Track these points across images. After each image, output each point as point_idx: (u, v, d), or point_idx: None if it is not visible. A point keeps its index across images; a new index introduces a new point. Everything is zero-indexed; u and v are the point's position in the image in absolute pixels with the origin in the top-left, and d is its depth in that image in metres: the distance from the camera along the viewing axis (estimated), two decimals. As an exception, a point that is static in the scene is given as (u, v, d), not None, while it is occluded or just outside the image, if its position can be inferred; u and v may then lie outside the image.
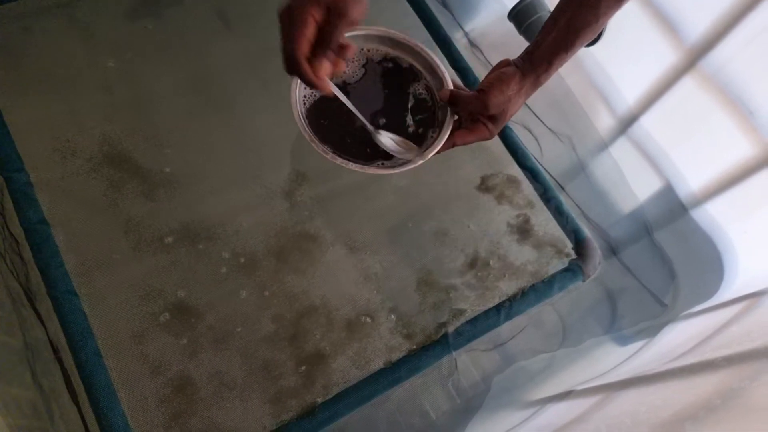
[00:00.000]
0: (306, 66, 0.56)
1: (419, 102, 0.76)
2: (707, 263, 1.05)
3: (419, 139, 0.74)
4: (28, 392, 0.80)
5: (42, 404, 0.81)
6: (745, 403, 0.47)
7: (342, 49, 0.60)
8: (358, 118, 0.69)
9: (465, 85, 1.07)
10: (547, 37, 0.66)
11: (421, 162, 0.70)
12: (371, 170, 0.69)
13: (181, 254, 0.91)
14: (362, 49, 0.76)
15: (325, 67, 0.57)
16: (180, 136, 1.01)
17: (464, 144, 0.72)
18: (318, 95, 0.73)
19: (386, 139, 0.70)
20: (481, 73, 1.11)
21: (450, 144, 0.71)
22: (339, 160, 0.67)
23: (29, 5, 1.08)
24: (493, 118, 0.69)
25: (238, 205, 0.97)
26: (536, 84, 0.68)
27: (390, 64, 0.76)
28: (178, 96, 1.05)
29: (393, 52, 0.76)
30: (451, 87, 0.72)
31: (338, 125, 0.73)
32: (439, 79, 0.74)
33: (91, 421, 0.78)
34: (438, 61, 0.74)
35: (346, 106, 0.69)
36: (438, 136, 0.71)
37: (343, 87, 0.73)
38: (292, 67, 0.56)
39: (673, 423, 0.51)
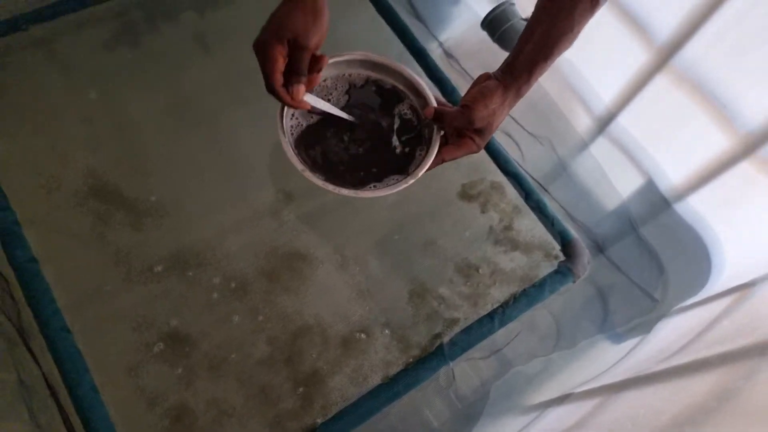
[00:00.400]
0: (283, 94, 0.64)
1: (405, 122, 0.77)
2: (694, 256, 1.06)
3: (407, 159, 0.75)
4: (26, 428, 0.80)
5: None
6: (740, 404, 0.48)
7: (315, 63, 0.66)
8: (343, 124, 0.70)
9: (443, 94, 1.09)
10: (525, 47, 0.67)
11: (412, 181, 0.72)
12: (364, 194, 0.71)
13: (172, 282, 0.91)
14: (344, 74, 0.77)
15: (301, 90, 0.65)
16: (164, 163, 1.01)
17: (453, 159, 0.73)
18: (304, 125, 0.74)
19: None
20: (458, 82, 1.13)
21: (439, 160, 0.73)
22: (330, 187, 0.69)
23: (8, 42, 1.08)
24: (478, 132, 0.70)
25: (226, 228, 0.97)
26: (518, 95, 0.70)
27: (373, 87, 0.77)
28: (159, 122, 1.06)
29: (375, 75, 0.77)
30: (435, 104, 0.74)
31: (327, 153, 0.74)
32: (423, 98, 0.75)
33: (91, 457, 0.77)
34: (420, 80, 0.76)
35: (331, 126, 0.71)
36: (426, 154, 0.72)
37: (330, 114, 0.74)
38: (273, 95, 0.65)
39: (672, 427, 0.52)
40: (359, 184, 0.73)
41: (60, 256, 0.89)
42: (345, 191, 0.70)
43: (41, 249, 0.88)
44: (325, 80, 0.77)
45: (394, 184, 0.72)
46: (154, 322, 0.88)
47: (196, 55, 1.14)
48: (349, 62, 0.76)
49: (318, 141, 0.75)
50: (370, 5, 1.17)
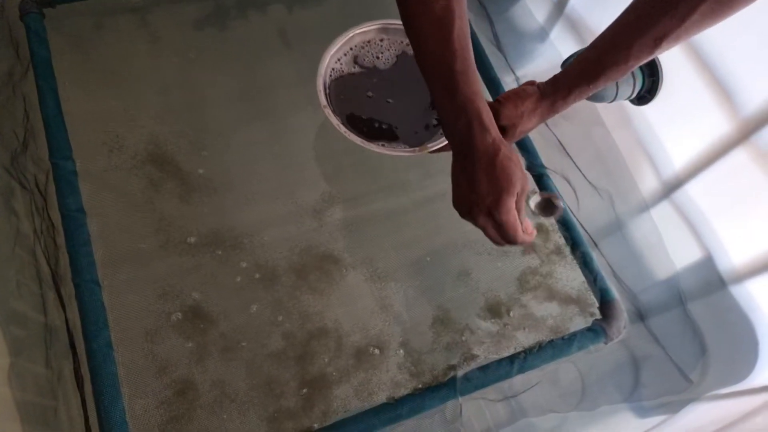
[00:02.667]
0: (526, 238, 0.63)
1: None
2: (741, 344, 0.99)
3: (429, 136, 0.78)
4: (40, 369, 0.83)
5: (50, 385, 0.83)
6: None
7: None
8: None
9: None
10: (576, 67, 0.67)
11: (419, 152, 0.74)
12: (372, 147, 0.73)
13: (205, 259, 0.93)
14: (401, 41, 0.79)
15: (529, 222, 0.64)
16: (224, 144, 1.04)
17: None
18: (345, 73, 0.78)
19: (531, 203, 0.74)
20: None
21: None
22: (343, 129, 0.73)
23: (105, 4, 1.14)
24: (502, 130, 0.69)
25: (268, 218, 0.98)
26: (553, 109, 0.69)
27: None
28: (229, 105, 1.09)
29: None
30: None
31: (355, 102, 0.78)
32: None
33: (92, 410, 0.79)
34: None
35: (369, 86, 0.76)
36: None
37: (374, 70, 0.79)
38: (517, 243, 0.64)
39: None
40: (373, 137, 0.75)
41: (107, 213, 0.93)
42: (356, 138, 0.73)
43: (91, 202, 0.92)
44: (381, 40, 0.81)
45: (401, 149, 0.75)
46: (180, 293, 0.89)
47: (277, 48, 1.17)
48: (401, 30, 0.80)
49: (353, 89, 0.78)
50: (453, 28, 1.17)
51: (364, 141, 0.74)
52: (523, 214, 0.62)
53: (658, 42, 0.61)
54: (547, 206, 0.74)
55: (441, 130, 0.78)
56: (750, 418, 0.71)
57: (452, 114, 0.60)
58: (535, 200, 0.73)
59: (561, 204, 0.74)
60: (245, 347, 0.87)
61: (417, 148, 0.74)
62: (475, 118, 0.59)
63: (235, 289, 0.91)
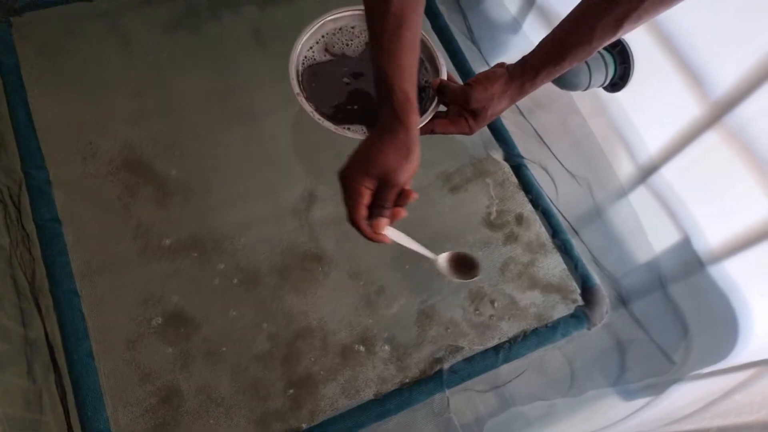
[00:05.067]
0: (365, 228, 0.65)
1: (418, 87, 0.80)
2: (721, 323, 1.01)
3: None
4: (23, 382, 0.81)
5: (33, 398, 0.82)
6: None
7: (403, 197, 0.65)
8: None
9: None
10: (542, 49, 0.69)
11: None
12: (345, 133, 0.75)
13: (185, 264, 0.92)
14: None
15: (383, 223, 0.64)
16: (200, 147, 1.03)
17: (443, 133, 0.77)
18: (317, 60, 0.80)
19: (443, 264, 0.76)
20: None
21: (428, 130, 0.77)
22: (317, 116, 0.74)
23: (75, 10, 1.12)
24: (473, 113, 0.73)
25: (248, 219, 0.98)
26: (522, 90, 0.71)
27: None
28: (204, 107, 1.07)
29: None
30: (445, 77, 0.78)
31: (327, 89, 0.79)
32: (436, 70, 0.80)
33: (75, 422, 0.78)
34: (439, 55, 0.81)
35: (340, 74, 0.78)
36: (418, 120, 0.75)
37: (343, 57, 0.80)
38: (354, 227, 0.65)
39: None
40: (341, 122, 0.76)
41: (83, 221, 0.91)
42: (329, 125, 0.74)
43: (66, 211, 0.90)
44: (353, 27, 0.82)
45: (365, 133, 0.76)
46: (161, 299, 0.88)
47: (251, 48, 1.16)
48: None
49: (325, 76, 0.80)
50: (427, 21, 1.17)
51: (337, 128, 0.74)
52: (385, 211, 0.63)
53: (619, 22, 0.63)
54: (464, 264, 0.76)
55: None
56: (730, 396, 0.73)
57: (383, 96, 0.63)
58: (445, 257, 0.75)
59: (479, 264, 0.76)
60: (229, 350, 0.87)
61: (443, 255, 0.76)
62: (398, 108, 0.61)
63: (216, 292, 0.91)
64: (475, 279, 0.75)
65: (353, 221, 0.64)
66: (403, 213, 0.66)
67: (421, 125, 0.75)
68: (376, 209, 0.64)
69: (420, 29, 0.64)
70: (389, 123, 0.62)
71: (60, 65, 1.06)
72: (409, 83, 0.62)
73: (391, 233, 0.68)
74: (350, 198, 0.63)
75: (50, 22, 1.10)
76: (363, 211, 0.63)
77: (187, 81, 1.09)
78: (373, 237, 0.65)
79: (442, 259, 0.75)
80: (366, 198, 0.63)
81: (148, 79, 1.07)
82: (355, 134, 0.75)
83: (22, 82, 0.99)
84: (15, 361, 0.81)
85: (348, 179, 0.63)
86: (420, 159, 0.64)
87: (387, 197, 0.63)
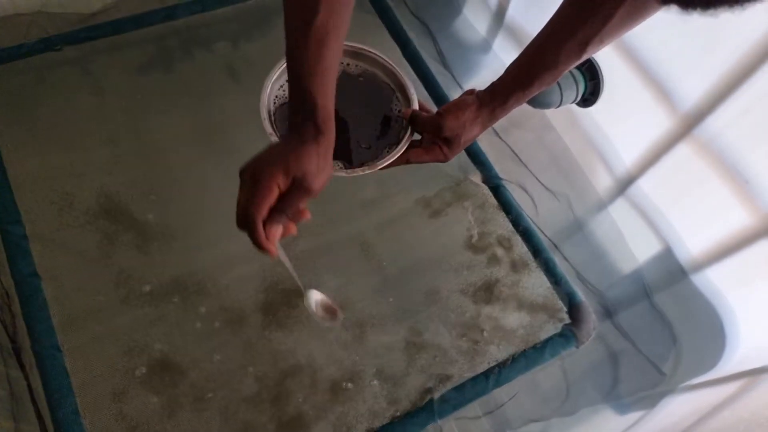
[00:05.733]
0: (260, 229, 0.57)
1: (388, 119, 0.81)
2: (708, 330, 1.01)
3: (375, 153, 0.79)
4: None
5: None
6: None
7: (298, 213, 0.60)
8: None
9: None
10: (509, 74, 0.70)
11: (369, 171, 0.75)
12: None
13: (168, 309, 0.91)
14: (342, 62, 0.80)
15: (279, 231, 0.59)
16: (179, 189, 1.02)
17: (418, 162, 0.77)
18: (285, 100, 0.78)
19: (312, 300, 0.78)
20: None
21: (404, 160, 0.77)
22: None
23: (45, 59, 1.12)
24: (447, 141, 0.73)
25: (231, 259, 0.97)
26: (492, 117, 0.72)
27: (365, 80, 0.81)
28: (182, 149, 1.07)
29: (371, 69, 0.82)
30: (417, 107, 0.78)
31: None
32: (408, 99, 0.80)
33: (64, 481, 0.77)
34: (409, 83, 0.81)
35: None
36: (393, 151, 0.76)
37: None
38: (245, 225, 0.57)
39: None
40: None
41: (62, 274, 0.90)
42: None
43: (45, 265, 0.90)
44: None
45: (350, 170, 0.75)
46: (146, 347, 0.88)
47: (227, 85, 1.16)
48: (347, 51, 0.80)
49: None
50: (397, 49, 1.18)
51: None
52: (284, 218, 0.58)
53: (582, 46, 0.64)
54: (328, 309, 0.80)
55: (388, 147, 0.79)
56: (719, 411, 0.73)
57: (305, 111, 0.59)
58: (314, 299, 0.77)
59: (339, 313, 0.79)
60: (218, 395, 0.86)
61: (367, 168, 0.75)
62: (321, 124, 0.58)
63: (201, 336, 0.90)
64: (335, 323, 0.78)
65: (249, 217, 0.56)
66: (294, 229, 0.62)
67: (396, 156, 0.76)
68: (276, 213, 0.57)
69: (343, 43, 0.61)
70: (311, 133, 0.58)
71: (32, 116, 1.05)
72: (330, 101, 0.59)
73: (280, 253, 0.62)
74: (256, 189, 0.56)
75: (21, 73, 1.10)
76: (265, 210, 0.57)
77: (163, 122, 1.09)
78: (263, 244, 0.58)
79: (311, 297, 0.78)
80: (273, 198, 0.56)
81: (123, 125, 1.07)
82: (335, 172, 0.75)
83: (-7, 136, 0.98)
84: (0, 417, 0.80)
85: (259, 172, 0.56)
86: (330, 178, 0.61)
87: (294, 203, 0.58)
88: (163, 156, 1.05)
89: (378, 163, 0.75)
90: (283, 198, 0.58)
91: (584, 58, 0.67)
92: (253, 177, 0.57)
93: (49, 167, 1.00)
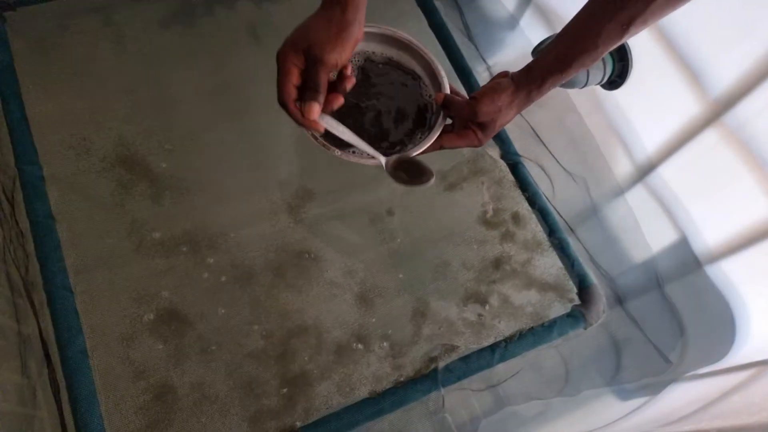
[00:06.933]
0: (294, 109, 0.60)
1: (417, 105, 0.78)
2: (719, 323, 1.01)
3: (408, 139, 0.76)
4: (17, 378, 0.81)
5: (27, 394, 0.81)
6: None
7: (339, 82, 0.62)
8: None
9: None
10: (548, 56, 0.67)
11: (397, 158, 0.71)
12: (344, 155, 0.71)
13: (179, 260, 0.92)
14: (365, 50, 0.78)
15: (314, 108, 0.59)
16: (195, 143, 1.02)
17: (452, 147, 0.75)
18: None
19: (390, 165, 0.71)
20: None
21: (437, 146, 0.74)
22: (320, 141, 0.69)
23: (68, 4, 1.11)
24: (482, 126, 0.71)
25: (243, 216, 0.97)
26: (528, 99, 0.69)
27: (392, 66, 0.78)
28: (198, 103, 1.07)
29: (396, 55, 0.79)
30: (448, 92, 0.75)
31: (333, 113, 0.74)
32: (438, 85, 0.76)
33: (69, 419, 0.77)
34: (439, 66, 0.77)
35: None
36: (425, 137, 0.73)
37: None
38: (283, 109, 0.61)
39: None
40: (345, 146, 0.72)
41: (77, 218, 0.91)
42: (331, 148, 0.70)
43: (60, 207, 0.90)
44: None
45: (373, 158, 0.72)
46: (156, 296, 0.88)
47: (246, 44, 1.16)
48: (373, 35, 0.76)
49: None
50: (423, 18, 1.17)
51: (339, 150, 0.70)
52: (316, 94, 0.59)
53: (625, 27, 0.62)
54: (414, 170, 0.70)
55: (420, 132, 0.76)
56: (728, 396, 0.72)
57: None
58: (393, 160, 0.70)
59: (430, 170, 0.69)
60: (224, 348, 0.86)
61: (397, 155, 0.71)
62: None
63: (210, 289, 0.90)
64: (425, 185, 0.69)
65: (280, 101, 0.60)
66: (340, 100, 0.63)
67: (429, 143, 0.72)
68: (306, 92, 0.59)
69: None
70: (326, 3, 0.59)
71: (54, 61, 1.05)
72: None
73: (329, 123, 0.63)
74: (279, 73, 0.59)
75: (44, 18, 1.09)
76: (291, 90, 0.59)
77: (182, 77, 1.08)
78: (301, 121, 0.61)
79: (390, 162, 0.71)
80: (294, 76, 0.58)
81: (142, 75, 1.06)
82: (355, 158, 0.72)
83: (15, 78, 0.98)
84: (9, 356, 0.81)
85: (278, 56, 0.59)
86: (356, 43, 0.61)
87: (316, 78, 0.59)
88: (180, 109, 1.05)
89: (412, 150, 0.72)
90: (306, 75, 0.59)
91: (626, 39, 0.64)
92: (277, 62, 0.59)
93: (69, 112, 1.00)
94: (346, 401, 0.85)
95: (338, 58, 0.60)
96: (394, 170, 0.70)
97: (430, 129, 0.74)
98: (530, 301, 0.97)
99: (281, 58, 0.58)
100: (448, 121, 0.76)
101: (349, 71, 0.63)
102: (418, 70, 0.78)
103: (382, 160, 0.70)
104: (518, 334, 0.92)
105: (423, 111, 0.77)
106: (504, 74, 0.72)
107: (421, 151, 0.72)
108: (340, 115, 0.71)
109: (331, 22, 0.58)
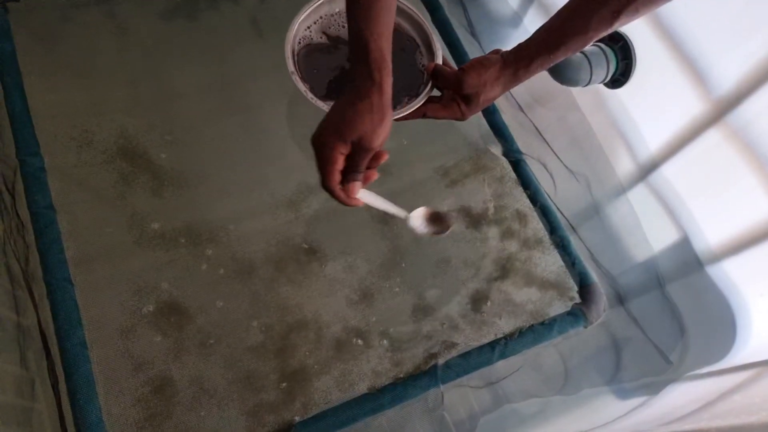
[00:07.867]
0: (337, 193, 0.63)
1: (412, 71, 0.80)
2: (719, 323, 1.00)
3: (395, 100, 0.77)
4: (15, 370, 0.81)
5: (26, 386, 0.81)
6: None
7: (374, 158, 0.64)
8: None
9: (484, 114, 1.07)
10: (538, 37, 0.68)
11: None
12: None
13: (180, 254, 0.91)
14: None
15: (357, 187, 0.63)
16: (196, 136, 1.02)
17: (435, 117, 0.76)
18: (314, 41, 0.80)
19: (417, 221, 0.75)
20: (500, 102, 1.11)
21: (420, 113, 0.76)
22: (310, 96, 0.73)
23: (73, -3, 1.11)
24: (466, 99, 0.72)
25: (244, 210, 0.97)
26: (515, 78, 0.70)
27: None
28: (200, 96, 1.07)
29: (399, 21, 0.81)
30: (440, 62, 0.77)
31: (323, 69, 0.78)
32: (432, 54, 0.79)
33: (68, 411, 0.77)
34: (435, 36, 0.80)
35: (336, 56, 0.78)
36: (410, 103, 0.75)
37: (338, 40, 0.80)
38: (328, 192, 0.64)
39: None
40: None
41: (77, 209, 0.90)
42: (321, 105, 0.73)
43: (61, 199, 0.90)
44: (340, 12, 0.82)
45: None
46: (155, 289, 0.88)
47: (249, 38, 1.15)
48: None
49: (320, 57, 0.79)
50: (427, 14, 1.16)
51: (328, 105, 0.74)
52: (359, 175, 0.62)
53: (615, 14, 0.63)
54: (437, 220, 0.76)
55: (407, 97, 0.78)
56: (729, 396, 0.72)
57: (359, 55, 0.61)
58: (418, 213, 0.74)
59: (451, 219, 0.75)
60: (223, 341, 0.86)
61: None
62: (374, 68, 0.60)
63: (211, 283, 0.90)
64: (447, 233, 0.74)
65: (328, 187, 0.63)
66: (375, 175, 0.65)
67: (413, 108, 0.75)
68: (350, 174, 0.62)
69: None
70: (363, 85, 0.60)
71: (56, 52, 1.05)
72: (386, 43, 0.60)
73: (363, 195, 0.66)
74: (325, 164, 0.61)
75: (47, 9, 1.09)
76: (337, 177, 0.62)
77: (184, 70, 1.08)
78: (347, 201, 0.64)
79: (415, 216, 0.74)
80: (340, 164, 0.61)
81: (144, 68, 1.06)
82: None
83: (18, 69, 0.98)
84: (8, 348, 0.81)
85: (322, 145, 0.61)
86: (391, 124, 0.62)
87: (360, 162, 0.62)
88: (182, 103, 1.05)
89: (394, 113, 0.73)
90: (350, 159, 0.61)
91: (616, 27, 0.65)
92: (318, 150, 0.61)
93: (70, 104, 1.00)
94: (344, 396, 0.85)
95: (382, 142, 0.61)
96: (419, 222, 0.74)
97: (417, 95, 0.76)
98: (531, 299, 0.97)
99: (328, 148, 0.60)
100: (437, 93, 0.78)
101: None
102: (417, 39, 0.80)
103: (407, 215, 0.73)
104: (518, 331, 0.92)
105: (414, 77, 0.79)
106: (496, 51, 0.73)
107: (402, 115, 0.74)
108: (343, 77, 0.77)
109: (373, 112, 0.59)
